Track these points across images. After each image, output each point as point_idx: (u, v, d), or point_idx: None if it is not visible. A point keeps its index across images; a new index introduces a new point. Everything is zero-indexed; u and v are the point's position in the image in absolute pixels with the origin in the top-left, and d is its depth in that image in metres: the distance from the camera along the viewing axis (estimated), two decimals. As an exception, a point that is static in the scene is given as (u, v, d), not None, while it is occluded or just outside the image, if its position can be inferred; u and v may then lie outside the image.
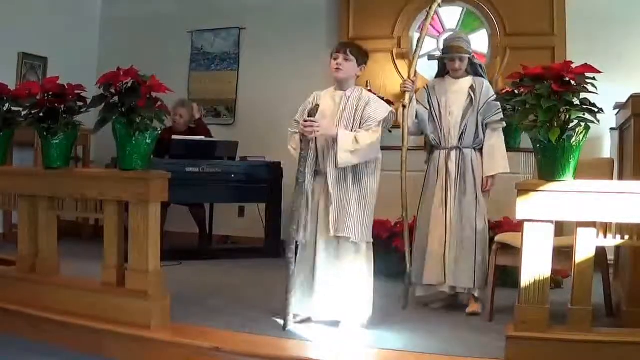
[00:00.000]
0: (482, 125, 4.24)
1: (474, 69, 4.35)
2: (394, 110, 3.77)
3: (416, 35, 6.60)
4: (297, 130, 3.69)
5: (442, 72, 4.45)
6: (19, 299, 3.91)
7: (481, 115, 4.22)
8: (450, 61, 4.30)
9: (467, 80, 4.31)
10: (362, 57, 3.74)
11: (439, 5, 4.57)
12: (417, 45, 4.39)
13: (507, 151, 4.32)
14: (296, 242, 3.69)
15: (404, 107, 4.24)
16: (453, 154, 4.27)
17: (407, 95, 4.23)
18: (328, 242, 3.66)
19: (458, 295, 4.32)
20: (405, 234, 4.20)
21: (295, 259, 3.70)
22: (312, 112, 3.61)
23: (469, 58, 4.29)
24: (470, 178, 4.22)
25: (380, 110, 3.65)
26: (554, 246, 3.00)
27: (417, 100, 4.39)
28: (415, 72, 4.32)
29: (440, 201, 4.26)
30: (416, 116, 4.36)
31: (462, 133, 4.25)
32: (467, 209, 4.20)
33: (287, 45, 6.82)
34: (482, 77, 4.33)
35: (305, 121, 3.57)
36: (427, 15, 4.40)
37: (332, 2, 6.85)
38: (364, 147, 3.55)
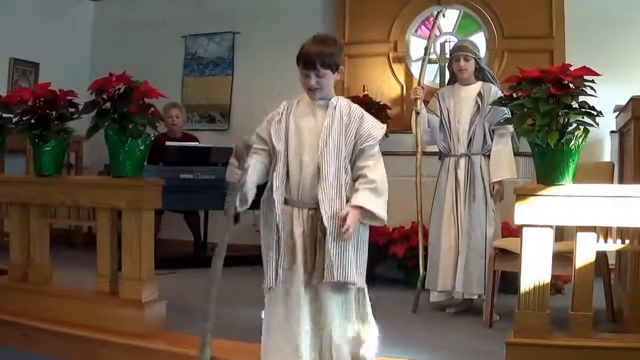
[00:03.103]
0: (490, 132, 4.25)
1: (482, 75, 4.36)
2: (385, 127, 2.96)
3: (413, 39, 6.59)
4: (262, 147, 2.87)
5: (453, 79, 4.47)
6: (11, 309, 3.88)
7: (487, 121, 4.23)
8: (455, 61, 4.32)
9: (476, 87, 4.34)
10: (337, 59, 2.87)
11: (443, 16, 4.75)
12: (425, 54, 4.50)
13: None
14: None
15: (417, 113, 4.36)
16: (462, 161, 4.30)
17: (418, 102, 4.35)
18: (312, 290, 2.81)
19: (473, 300, 4.31)
20: (419, 239, 4.32)
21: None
22: (241, 154, 2.68)
23: (475, 61, 4.32)
24: (480, 185, 4.24)
25: (377, 127, 2.87)
26: (553, 251, 2.98)
27: (430, 109, 4.44)
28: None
29: (451, 208, 4.29)
30: (428, 125, 4.41)
31: (470, 140, 4.28)
32: (476, 216, 4.22)
33: (282, 50, 6.73)
34: (492, 83, 4.35)
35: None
36: (433, 25, 4.57)
37: (328, 7, 6.82)
38: (383, 190, 2.80)
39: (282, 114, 2.89)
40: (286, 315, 2.84)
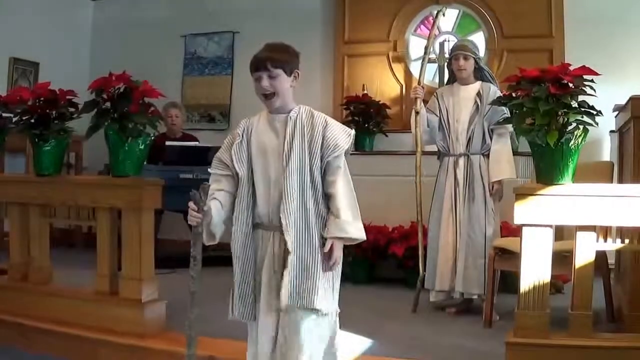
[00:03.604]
0: (489, 131, 4.25)
1: (481, 75, 4.37)
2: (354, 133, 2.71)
3: (412, 39, 6.59)
4: (225, 173, 2.70)
5: (452, 79, 4.48)
6: (10, 309, 3.88)
7: (486, 120, 4.24)
8: (454, 60, 4.33)
9: (475, 86, 4.34)
10: (291, 62, 2.64)
11: (443, 15, 4.78)
12: (424, 53, 4.53)
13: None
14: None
15: (417, 113, 4.36)
16: (461, 160, 4.30)
17: (417, 102, 4.36)
18: (275, 315, 2.63)
19: (473, 299, 4.31)
20: (419, 239, 4.33)
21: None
22: (198, 199, 2.54)
23: (475, 61, 4.33)
24: (479, 184, 4.24)
25: (343, 135, 2.62)
26: (553, 251, 2.97)
27: (429, 109, 4.44)
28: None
29: (450, 208, 4.30)
30: (427, 124, 4.41)
31: (469, 139, 4.28)
32: (476, 216, 4.22)
33: (281, 50, 6.76)
34: (491, 82, 4.36)
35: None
36: (432, 24, 4.58)
37: (328, 6, 6.82)
38: (355, 206, 2.62)
39: (242, 134, 2.65)
40: (253, 343, 2.72)
